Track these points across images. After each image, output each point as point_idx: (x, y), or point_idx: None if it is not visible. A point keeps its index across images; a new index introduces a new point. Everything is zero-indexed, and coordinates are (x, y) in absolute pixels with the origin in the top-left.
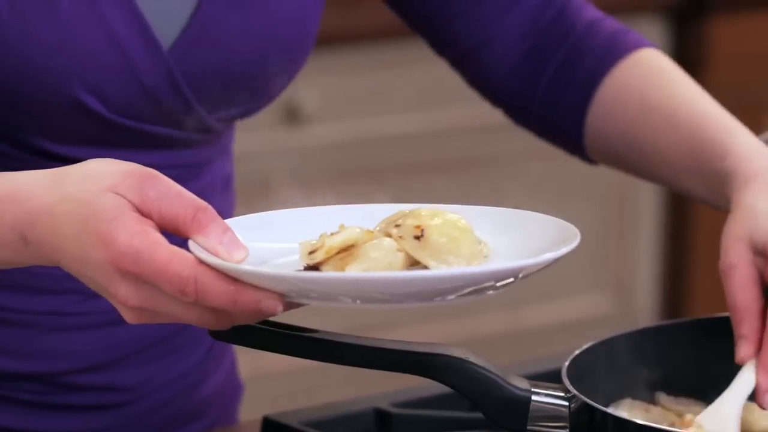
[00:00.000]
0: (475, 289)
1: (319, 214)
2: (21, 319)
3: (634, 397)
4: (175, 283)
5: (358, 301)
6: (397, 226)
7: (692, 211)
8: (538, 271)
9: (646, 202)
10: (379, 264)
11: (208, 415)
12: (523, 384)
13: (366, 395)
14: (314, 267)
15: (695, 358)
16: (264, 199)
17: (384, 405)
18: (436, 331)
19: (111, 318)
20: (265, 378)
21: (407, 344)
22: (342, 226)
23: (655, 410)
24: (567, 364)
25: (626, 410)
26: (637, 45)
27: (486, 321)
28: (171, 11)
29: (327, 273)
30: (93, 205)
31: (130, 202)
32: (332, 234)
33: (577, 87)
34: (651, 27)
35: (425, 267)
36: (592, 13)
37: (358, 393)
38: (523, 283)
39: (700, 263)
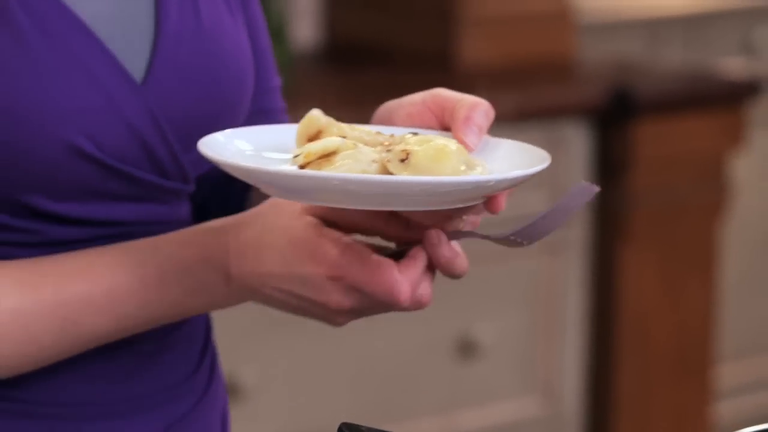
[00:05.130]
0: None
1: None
2: (47, 412)
3: None
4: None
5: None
6: (388, 150)
7: (617, 315)
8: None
9: (572, 306)
10: (352, 172)
11: None
12: None
13: None
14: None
15: None
16: None
17: None
18: None
19: (132, 406)
20: None
21: None
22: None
23: None
24: None
25: None
26: None
27: (417, 425)
28: (133, 46)
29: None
30: (295, 227)
31: (320, 218)
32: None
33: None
34: (576, 130)
35: None
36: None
37: None
38: (455, 386)
39: (626, 366)
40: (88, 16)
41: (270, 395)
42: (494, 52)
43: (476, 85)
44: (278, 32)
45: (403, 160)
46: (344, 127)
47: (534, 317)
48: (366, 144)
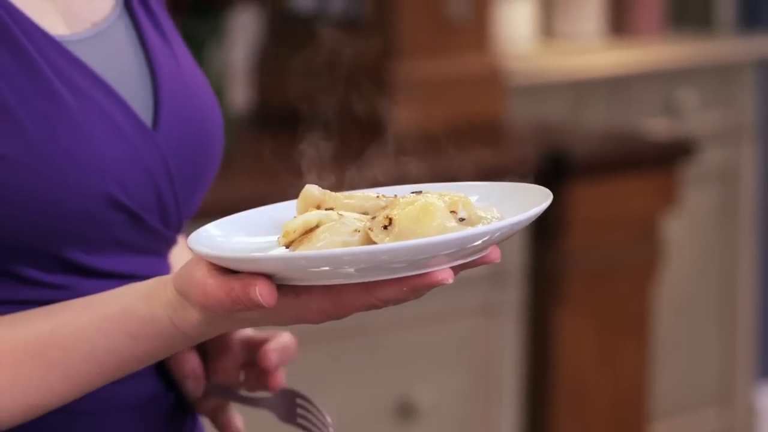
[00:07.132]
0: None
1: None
2: None
3: None
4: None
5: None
6: (373, 218)
7: (554, 376)
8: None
9: (509, 368)
10: (332, 245)
11: None
12: None
13: None
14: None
15: None
16: None
17: None
18: None
19: None
20: None
21: None
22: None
23: None
24: None
25: None
26: None
27: None
28: (139, 96)
29: (240, 255)
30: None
31: None
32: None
33: None
34: None
35: None
36: None
37: None
38: None
39: (562, 427)
40: (100, 71)
41: None
42: (426, 115)
43: (409, 149)
44: (217, 95)
45: (386, 227)
46: (340, 196)
47: (472, 379)
48: (366, 210)
